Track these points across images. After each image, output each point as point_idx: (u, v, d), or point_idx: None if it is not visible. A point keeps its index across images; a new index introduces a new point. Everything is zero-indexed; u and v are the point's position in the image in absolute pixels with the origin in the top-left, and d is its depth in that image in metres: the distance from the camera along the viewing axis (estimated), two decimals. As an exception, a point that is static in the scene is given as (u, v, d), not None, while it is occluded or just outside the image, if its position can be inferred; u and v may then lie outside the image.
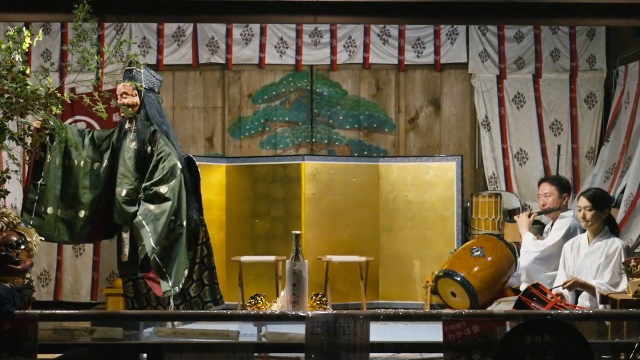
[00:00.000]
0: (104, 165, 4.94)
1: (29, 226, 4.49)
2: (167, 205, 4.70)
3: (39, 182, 4.77)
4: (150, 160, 4.80)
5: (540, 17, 5.59)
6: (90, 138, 4.98)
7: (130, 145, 4.88)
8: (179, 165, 4.79)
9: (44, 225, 4.79)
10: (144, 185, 4.75)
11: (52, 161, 4.81)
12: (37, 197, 4.77)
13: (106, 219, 4.93)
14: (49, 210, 4.81)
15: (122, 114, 4.96)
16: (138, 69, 4.91)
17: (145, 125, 4.87)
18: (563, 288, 4.58)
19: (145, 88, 4.91)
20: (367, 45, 7.04)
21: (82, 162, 4.91)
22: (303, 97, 7.13)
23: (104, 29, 6.78)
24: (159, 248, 4.65)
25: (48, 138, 4.76)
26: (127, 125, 4.94)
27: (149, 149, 4.83)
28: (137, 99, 4.90)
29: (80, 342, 3.74)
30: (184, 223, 4.80)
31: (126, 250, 4.84)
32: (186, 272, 4.83)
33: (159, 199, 4.71)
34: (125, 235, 4.85)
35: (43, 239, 4.61)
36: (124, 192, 4.82)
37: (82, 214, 4.89)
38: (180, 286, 4.79)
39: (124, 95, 4.89)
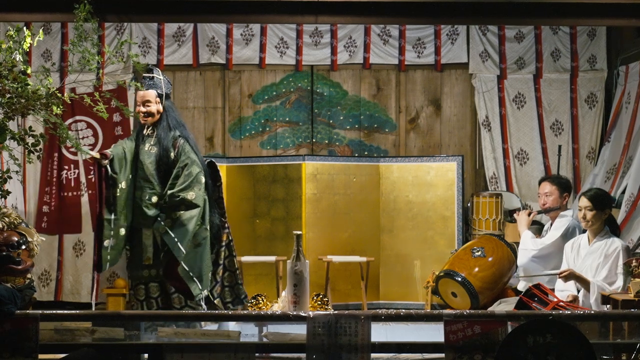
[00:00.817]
0: (132, 173, 4.90)
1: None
2: (195, 211, 4.70)
3: (112, 218, 4.75)
4: (173, 166, 4.77)
5: (541, 17, 5.59)
6: (126, 151, 4.93)
7: (150, 150, 4.85)
8: (202, 172, 4.79)
9: (114, 256, 4.79)
10: (169, 192, 4.72)
11: (119, 193, 4.78)
12: (112, 233, 4.76)
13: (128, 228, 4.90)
14: (117, 239, 4.79)
15: (142, 118, 4.91)
16: (158, 76, 4.90)
17: (166, 132, 4.84)
18: (559, 277, 4.60)
19: (165, 94, 4.90)
20: (368, 45, 7.04)
21: (127, 181, 4.87)
22: (303, 97, 7.13)
23: (104, 29, 6.77)
24: (185, 254, 4.67)
25: (110, 170, 4.75)
26: (146, 131, 4.90)
27: (171, 154, 4.80)
28: (160, 106, 4.87)
29: (82, 343, 3.74)
30: (207, 227, 4.81)
31: (150, 254, 4.82)
32: (210, 274, 4.86)
33: (185, 205, 4.69)
34: (148, 240, 4.82)
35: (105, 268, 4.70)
36: (146, 196, 4.79)
37: (127, 228, 4.86)
38: (209, 288, 4.82)
39: (147, 104, 4.84)
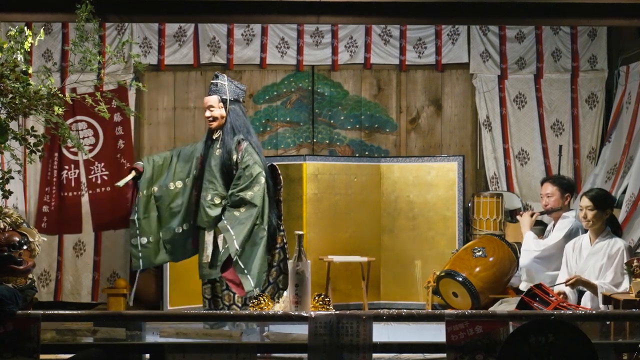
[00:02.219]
0: (191, 175, 5.18)
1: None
2: (254, 210, 4.90)
3: (134, 218, 5.12)
4: (235, 168, 5.00)
5: (541, 17, 5.60)
6: (178, 156, 5.25)
7: (216, 152, 5.08)
8: (263, 173, 4.98)
9: (149, 254, 5.14)
10: (230, 192, 4.95)
11: (142, 195, 5.15)
12: (137, 232, 5.12)
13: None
14: (150, 239, 5.14)
15: (208, 123, 5.12)
16: (222, 82, 5.10)
17: (230, 135, 5.05)
18: (566, 285, 4.59)
19: (230, 99, 5.09)
20: (369, 45, 7.04)
21: (177, 183, 5.20)
22: (304, 98, 7.13)
23: (105, 29, 6.77)
24: (241, 250, 4.87)
25: (134, 174, 5.13)
26: (214, 135, 5.13)
27: (234, 157, 5.01)
28: (223, 111, 5.09)
29: (83, 343, 3.74)
30: (266, 227, 4.98)
31: (209, 252, 5.00)
32: (264, 274, 4.95)
33: (244, 204, 4.91)
34: (209, 239, 5.02)
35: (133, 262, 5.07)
36: (209, 197, 5.01)
37: (179, 229, 5.16)
38: (261, 287, 4.96)
39: (210, 108, 5.09)
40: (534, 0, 5.33)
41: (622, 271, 4.50)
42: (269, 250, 5.04)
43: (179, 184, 5.18)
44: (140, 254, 5.10)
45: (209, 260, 4.99)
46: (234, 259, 4.85)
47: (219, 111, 5.07)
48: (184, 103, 7.09)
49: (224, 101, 5.08)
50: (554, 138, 7.01)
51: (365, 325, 3.49)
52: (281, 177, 5.18)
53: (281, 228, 5.12)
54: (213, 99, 5.09)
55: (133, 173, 5.18)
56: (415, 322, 4.03)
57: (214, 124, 5.09)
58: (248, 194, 4.90)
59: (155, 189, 5.18)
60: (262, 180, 4.95)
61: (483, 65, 7.03)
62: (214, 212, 4.97)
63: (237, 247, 4.84)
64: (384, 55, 7.05)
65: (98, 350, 3.60)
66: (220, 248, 4.94)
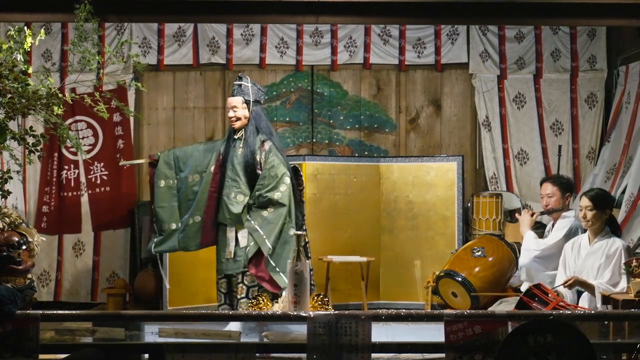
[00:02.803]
0: (207, 170, 5.26)
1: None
2: (283, 210, 5.02)
3: (152, 207, 5.30)
4: (259, 167, 5.11)
5: (541, 17, 5.60)
6: (199, 151, 5.36)
7: (238, 152, 5.18)
8: (288, 173, 5.08)
9: (165, 240, 5.27)
10: (257, 193, 5.05)
11: (157, 185, 5.30)
12: (154, 219, 5.29)
13: (214, 222, 5.23)
14: (168, 226, 5.26)
15: (231, 123, 5.20)
16: (246, 83, 5.20)
17: (254, 135, 5.15)
18: (564, 287, 4.59)
19: (252, 100, 5.19)
20: (368, 45, 7.04)
21: (195, 176, 5.30)
22: (304, 98, 7.13)
23: (105, 29, 6.77)
24: (271, 249, 4.97)
25: (148, 160, 5.37)
26: (236, 135, 5.22)
27: (258, 157, 5.12)
28: (246, 112, 5.19)
29: (82, 343, 3.74)
30: (294, 225, 5.08)
31: (231, 248, 5.10)
32: None
33: (272, 205, 5.02)
34: (231, 235, 5.12)
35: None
36: (232, 195, 5.11)
37: (190, 220, 5.24)
38: None
39: (234, 109, 5.19)
40: (534, 0, 5.33)
41: (620, 271, 4.50)
42: None
43: (197, 177, 5.27)
44: (155, 239, 5.24)
45: (233, 256, 5.08)
46: (266, 258, 4.96)
47: (242, 112, 5.17)
48: (183, 103, 7.08)
49: (247, 102, 5.17)
50: (554, 138, 7.01)
51: (364, 325, 3.50)
52: (302, 178, 5.27)
53: (304, 228, 5.23)
54: (237, 100, 5.18)
55: (147, 160, 5.37)
56: (414, 322, 4.03)
57: (237, 124, 5.18)
58: (276, 195, 5.00)
59: (176, 180, 5.30)
60: (288, 180, 5.06)
61: (482, 65, 7.03)
62: (237, 209, 5.06)
63: (270, 247, 4.95)
64: (384, 55, 7.06)
65: (94, 350, 3.60)
66: (242, 244, 5.05)
